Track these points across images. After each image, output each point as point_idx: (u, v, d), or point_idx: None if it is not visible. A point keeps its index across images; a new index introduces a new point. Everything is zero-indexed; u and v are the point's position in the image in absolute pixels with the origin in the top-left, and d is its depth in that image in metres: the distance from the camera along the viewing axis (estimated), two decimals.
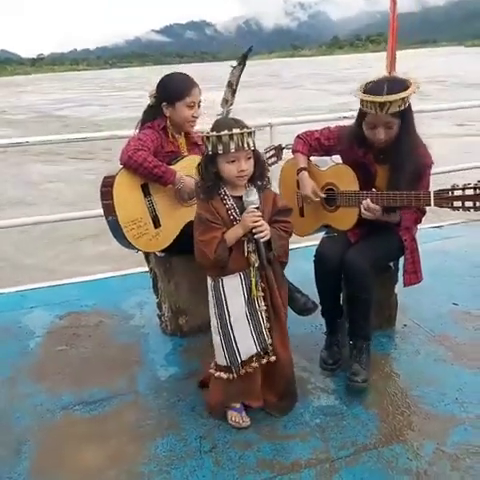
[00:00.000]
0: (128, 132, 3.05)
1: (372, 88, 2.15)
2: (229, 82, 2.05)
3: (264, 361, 2.03)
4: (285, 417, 2.10)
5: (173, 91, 2.44)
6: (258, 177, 1.94)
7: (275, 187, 2.73)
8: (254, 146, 1.85)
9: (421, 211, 2.36)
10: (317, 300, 2.50)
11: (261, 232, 1.87)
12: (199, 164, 1.93)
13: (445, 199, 2.09)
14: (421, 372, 2.36)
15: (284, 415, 2.11)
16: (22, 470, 1.90)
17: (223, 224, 1.90)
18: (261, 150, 2.59)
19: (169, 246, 2.46)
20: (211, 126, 1.87)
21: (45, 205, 8.93)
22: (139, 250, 2.43)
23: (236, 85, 2.05)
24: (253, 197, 1.87)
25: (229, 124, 1.81)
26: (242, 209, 1.90)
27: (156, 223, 2.40)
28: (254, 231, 1.87)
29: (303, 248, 3.42)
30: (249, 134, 1.81)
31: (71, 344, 2.71)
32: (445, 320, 2.77)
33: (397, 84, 2.14)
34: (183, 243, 2.42)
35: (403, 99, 2.10)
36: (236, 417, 2.07)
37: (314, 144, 2.50)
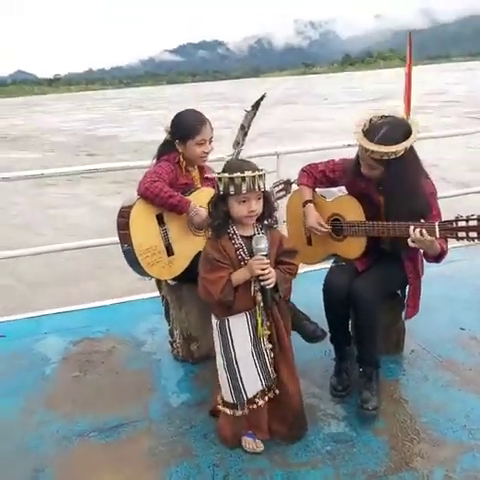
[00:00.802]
0: (141, 162, 3.16)
1: (370, 129, 2.23)
2: (242, 125, 2.15)
3: (270, 395, 2.09)
4: (296, 444, 2.15)
5: (184, 130, 2.53)
6: (266, 216, 2.00)
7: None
8: (264, 188, 1.92)
9: (446, 241, 2.29)
10: (325, 327, 2.56)
11: (267, 280, 1.92)
12: (209, 202, 1.99)
13: (449, 230, 2.15)
14: (429, 398, 2.40)
15: (294, 443, 2.15)
16: None
17: (230, 264, 1.95)
18: (270, 184, 2.69)
19: (181, 274, 2.53)
20: (223, 167, 1.94)
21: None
22: (152, 277, 2.51)
23: (248, 128, 2.14)
24: (263, 245, 1.91)
25: (241, 166, 1.88)
26: (250, 249, 1.94)
27: (169, 251, 2.49)
28: (261, 278, 1.91)
29: (310, 272, 3.47)
30: (260, 176, 1.88)
31: (85, 371, 2.77)
32: (452, 345, 2.81)
33: (393, 135, 2.18)
34: (194, 271, 2.50)
35: (387, 152, 2.16)
36: (251, 443, 2.12)
37: (319, 177, 2.58)
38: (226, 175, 1.87)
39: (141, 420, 2.35)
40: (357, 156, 2.37)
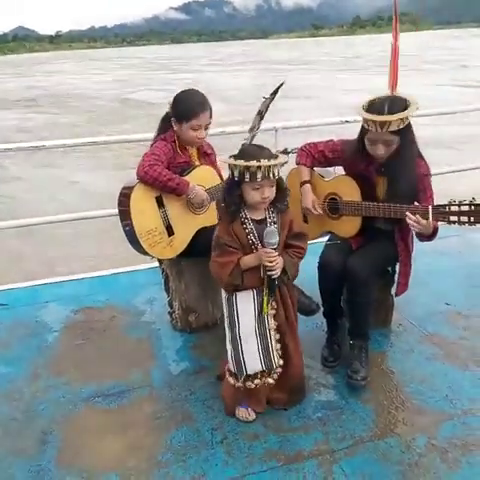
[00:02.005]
0: (140, 136, 3.19)
1: (374, 107, 2.29)
2: (259, 111, 2.18)
3: (270, 381, 2.18)
4: (289, 411, 2.29)
5: (182, 111, 2.55)
6: (279, 201, 2.07)
7: None
8: (278, 174, 1.98)
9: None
10: (318, 300, 2.68)
11: (273, 271, 2.00)
12: (223, 187, 2.06)
13: (442, 214, 2.25)
14: (414, 370, 2.54)
15: (290, 407, 2.30)
16: (49, 458, 2.08)
17: (241, 247, 2.03)
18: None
19: (181, 251, 2.63)
20: (238, 152, 1.98)
21: None
22: (153, 257, 2.59)
23: (264, 113, 2.18)
24: (273, 239, 1.97)
25: (256, 154, 1.92)
26: (260, 233, 2.02)
27: (170, 232, 2.56)
28: (267, 269, 2.00)
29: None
30: (275, 165, 1.93)
31: (87, 338, 2.89)
32: (437, 320, 2.96)
33: (398, 103, 2.28)
34: (193, 248, 2.60)
35: (402, 119, 2.24)
36: (243, 412, 2.25)
37: (318, 156, 2.65)
38: (242, 162, 1.90)
39: (143, 387, 2.48)
40: (359, 139, 2.42)
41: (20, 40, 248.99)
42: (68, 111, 21.31)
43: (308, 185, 2.64)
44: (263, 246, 2.01)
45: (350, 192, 2.53)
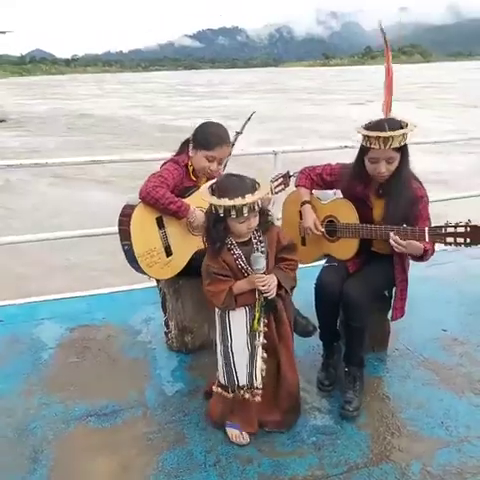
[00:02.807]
0: (152, 156, 3.21)
1: (374, 126, 2.34)
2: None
3: (246, 396, 2.15)
4: (284, 435, 2.27)
5: (200, 139, 2.59)
6: (262, 222, 2.08)
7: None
8: (261, 203, 1.99)
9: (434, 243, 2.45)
10: (316, 322, 2.68)
11: (267, 292, 2.03)
12: (207, 223, 2.05)
13: (439, 235, 2.28)
14: (410, 395, 2.53)
15: (286, 429, 2.28)
16: (40, 477, 2.06)
17: (232, 273, 2.06)
18: (269, 178, 2.78)
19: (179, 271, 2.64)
20: (217, 186, 1.98)
21: None
22: (151, 277, 2.59)
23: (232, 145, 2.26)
24: (261, 265, 2.01)
25: (238, 187, 1.92)
26: (247, 255, 2.04)
27: (168, 252, 2.57)
28: (261, 291, 2.03)
29: (303, 269, 3.57)
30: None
31: (82, 357, 2.87)
32: (434, 345, 2.95)
33: (395, 122, 2.34)
34: (191, 268, 2.60)
35: (403, 135, 2.29)
36: (236, 435, 2.22)
37: (316, 179, 2.68)
38: (226, 201, 1.90)
39: (137, 407, 2.46)
40: (358, 160, 2.45)
41: (37, 62, 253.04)
42: (114, 136, 20.49)
43: (308, 205, 2.66)
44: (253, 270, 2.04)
45: (347, 215, 2.56)
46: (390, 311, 2.77)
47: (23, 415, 2.41)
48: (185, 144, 2.68)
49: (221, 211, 1.95)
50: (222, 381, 2.21)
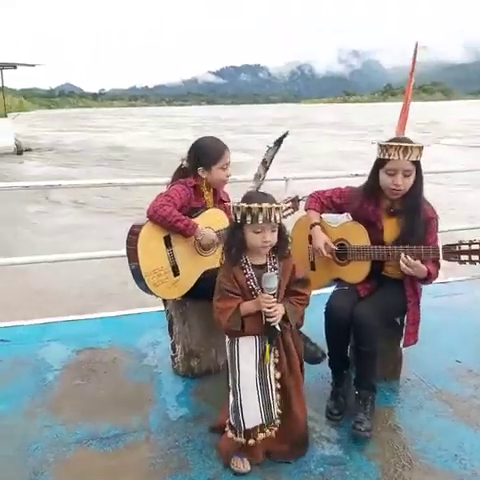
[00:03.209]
0: (155, 180, 3.24)
1: (393, 139, 2.37)
2: (264, 160, 2.26)
3: (267, 432, 2.12)
4: (290, 464, 2.18)
5: (210, 156, 2.62)
6: (280, 248, 2.08)
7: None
8: (280, 220, 2.01)
9: (438, 265, 2.44)
10: (325, 348, 2.62)
11: (273, 317, 1.99)
12: (226, 230, 2.10)
13: (453, 253, 2.25)
14: (422, 427, 2.44)
15: (293, 460, 2.19)
16: None
17: (241, 292, 2.03)
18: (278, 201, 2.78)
19: (186, 292, 2.61)
20: (242, 197, 2.04)
21: None
22: (158, 297, 2.57)
23: (270, 163, 2.25)
24: (271, 285, 1.99)
25: (259, 198, 1.99)
26: (260, 278, 2.01)
27: (175, 272, 2.55)
28: (266, 315, 1.99)
29: (312, 297, 3.53)
30: (277, 209, 1.97)
31: (87, 379, 2.83)
32: (447, 376, 2.86)
33: (409, 140, 2.36)
34: (199, 289, 2.58)
35: (419, 149, 2.31)
36: (238, 462, 2.14)
37: (326, 202, 2.68)
38: (244, 205, 1.96)
39: (140, 431, 2.40)
40: (373, 174, 2.46)
41: (65, 96, 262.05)
42: (143, 166, 19.55)
43: (318, 227, 2.65)
44: (262, 291, 2.01)
45: (358, 237, 2.53)
46: (402, 339, 2.72)
47: (24, 436, 2.37)
48: (179, 171, 2.70)
49: (239, 216, 1.97)
50: (231, 421, 2.13)
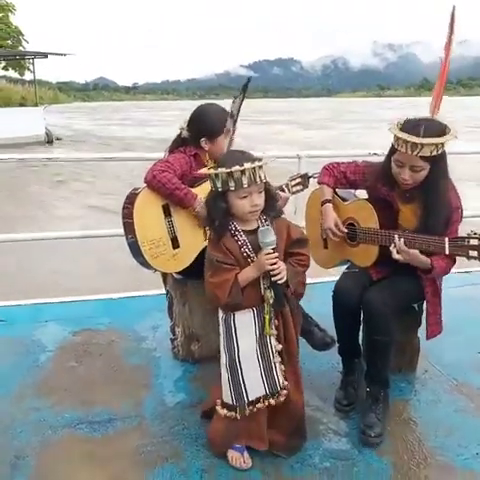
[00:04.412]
0: (158, 154, 3.07)
1: (409, 127, 2.06)
2: (231, 112, 2.09)
3: (272, 402, 1.93)
4: (292, 457, 2.00)
5: (213, 127, 2.41)
6: (269, 208, 1.86)
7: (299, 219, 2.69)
8: (265, 178, 1.78)
9: (451, 259, 2.20)
10: (335, 336, 2.42)
11: (278, 275, 1.78)
12: (206, 200, 1.87)
13: (460, 247, 2.01)
14: (440, 422, 2.23)
15: (291, 455, 2.00)
16: None
17: (236, 262, 1.82)
18: (286, 178, 2.58)
19: (187, 268, 2.42)
20: (219, 162, 1.81)
21: None
22: (156, 270, 2.40)
23: (237, 115, 2.08)
24: (269, 238, 1.78)
25: (238, 158, 1.75)
26: (255, 245, 1.81)
27: (175, 244, 2.37)
28: (271, 274, 1.78)
29: (324, 283, 3.33)
30: (260, 167, 1.74)
31: (81, 361, 2.68)
32: (468, 369, 2.64)
33: (435, 128, 2.05)
34: (201, 266, 2.39)
35: (437, 145, 2.01)
36: (237, 459, 1.96)
37: (340, 177, 2.46)
38: (223, 170, 1.72)
39: (132, 417, 2.24)
40: (387, 159, 2.22)
41: (100, 89, 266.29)
42: None
43: (330, 204, 2.43)
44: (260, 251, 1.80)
45: (367, 218, 2.31)
46: (419, 328, 2.51)
47: (10, 418, 2.22)
48: (178, 140, 2.51)
49: (219, 184, 1.75)
50: (228, 400, 1.94)
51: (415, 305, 2.47)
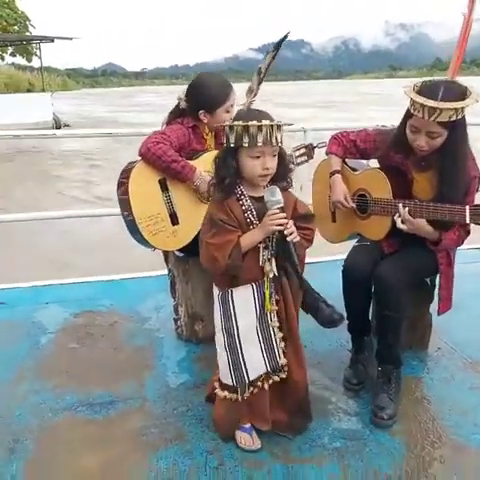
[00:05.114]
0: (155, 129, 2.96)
1: (426, 90, 1.93)
2: (259, 69, 1.93)
3: (275, 378, 1.85)
4: (300, 438, 1.92)
5: (212, 98, 2.30)
6: (280, 178, 1.75)
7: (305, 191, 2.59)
8: (282, 142, 1.67)
9: (465, 230, 2.12)
10: (344, 314, 2.32)
11: (292, 234, 1.66)
12: (216, 158, 1.74)
13: None
14: (454, 400, 2.14)
15: (296, 435, 1.92)
16: (14, 470, 1.79)
17: (239, 227, 1.71)
18: (289, 149, 2.45)
19: (189, 245, 2.33)
20: (234, 116, 1.71)
21: None
22: (155, 248, 2.30)
23: (265, 74, 1.92)
24: (278, 196, 1.66)
25: (255, 115, 1.64)
26: (259, 211, 1.70)
27: (174, 220, 2.27)
28: (285, 233, 1.66)
29: (334, 261, 3.23)
30: (278, 128, 1.63)
31: (83, 343, 2.61)
32: None
33: (455, 91, 1.92)
34: None
35: (456, 109, 1.88)
36: (246, 439, 1.88)
37: (349, 146, 2.34)
38: (240, 123, 1.61)
39: (134, 398, 2.17)
40: (402, 124, 2.09)
41: (108, 75, 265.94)
42: None
43: (338, 175, 2.31)
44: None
45: (380, 188, 2.19)
46: (432, 303, 2.40)
47: (9, 401, 2.16)
48: (176, 111, 2.39)
49: (233, 139, 1.63)
50: (228, 381, 1.84)
51: (428, 280, 2.37)
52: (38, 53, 24.93)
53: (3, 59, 29.78)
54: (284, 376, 1.86)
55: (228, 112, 2.33)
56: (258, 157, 1.65)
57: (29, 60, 28.95)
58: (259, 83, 1.94)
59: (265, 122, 1.60)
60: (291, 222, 1.68)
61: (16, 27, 28.82)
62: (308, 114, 23.87)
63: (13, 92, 24.60)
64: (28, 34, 29.06)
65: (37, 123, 18.98)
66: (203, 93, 2.34)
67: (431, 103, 1.86)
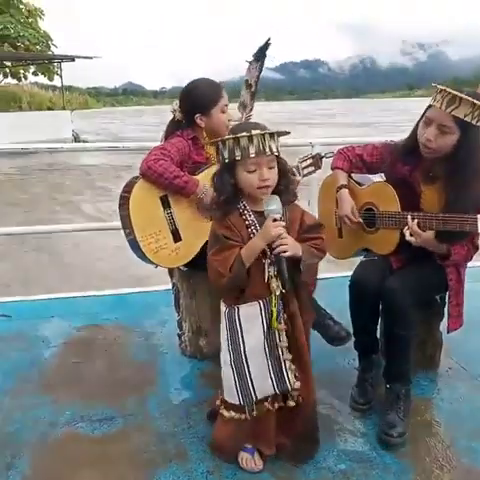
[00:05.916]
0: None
1: (453, 88, 1.90)
2: (246, 82, 1.87)
3: (290, 403, 1.79)
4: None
5: (205, 99, 2.29)
6: (283, 191, 1.70)
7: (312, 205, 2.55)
8: (278, 152, 1.63)
9: (473, 246, 2.08)
10: (351, 331, 2.27)
11: (282, 245, 1.61)
12: (213, 175, 1.72)
13: None
14: (465, 423, 2.07)
15: (302, 463, 1.84)
16: None
17: (242, 243, 1.67)
18: (297, 159, 2.43)
19: (194, 260, 2.29)
20: (228, 132, 1.69)
21: None
22: (158, 265, 2.26)
23: (255, 86, 1.87)
24: (275, 205, 1.63)
25: (246, 127, 1.62)
26: (263, 225, 1.65)
27: (176, 237, 2.23)
28: (275, 244, 1.61)
29: (340, 277, 3.18)
30: (271, 136, 1.59)
31: (86, 357, 2.57)
32: None
33: (478, 98, 1.87)
34: (205, 260, 2.26)
35: (474, 107, 1.84)
36: (248, 460, 1.81)
37: (355, 160, 2.31)
38: (230, 136, 1.59)
39: (135, 415, 2.12)
40: (413, 131, 2.06)
41: (128, 94, 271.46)
42: None
43: (346, 190, 2.28)
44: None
45: (388, 201, 2.15)
46: (442, 321, 2.34)
47: (7, 415, 2.12)
48: (173, 125, 2.37)
49: (226, 154, 1.61)
50: (234, 400, 1.77)
51: (437, 297, 2.31)
52: (59, 72, 25.51)
53: (26, 78, 30.34)
54: (293, 404, 1.79)
55: (223, 112, 2.32)
56: (254, 170, 1.62)
57: (51, 79, 29.43)
58: (252, 98, 1.90)
59: (255, 132, 1.57)
60: (286, 234, 1.63)
61: (38, 47, 29.36)
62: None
63: (35, 110, 25.28)
64: (50, 53, 29.66)
65: (57, 140, 19.45)
66: (195, 94, 2.33)
67: (454, 92, 1.85)
